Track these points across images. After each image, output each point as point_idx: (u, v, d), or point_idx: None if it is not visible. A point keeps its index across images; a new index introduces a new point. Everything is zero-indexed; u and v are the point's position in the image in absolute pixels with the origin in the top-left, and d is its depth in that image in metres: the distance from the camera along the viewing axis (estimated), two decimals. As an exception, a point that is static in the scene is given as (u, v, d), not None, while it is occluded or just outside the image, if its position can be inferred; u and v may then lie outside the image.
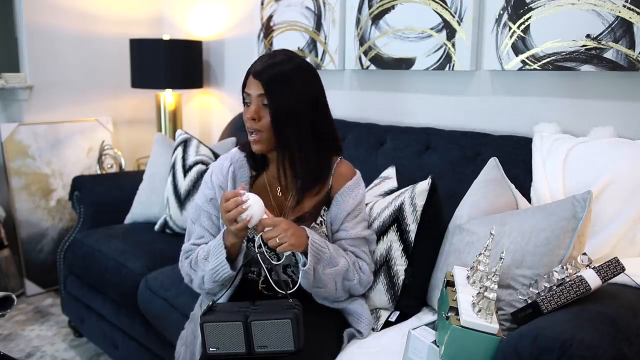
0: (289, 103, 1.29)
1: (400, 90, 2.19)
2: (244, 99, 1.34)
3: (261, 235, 1.25)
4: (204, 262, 1.34)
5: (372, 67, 2.19)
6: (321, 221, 1.39)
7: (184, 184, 2.16)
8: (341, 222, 1.40)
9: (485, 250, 1.16)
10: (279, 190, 1.42)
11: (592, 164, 1.46)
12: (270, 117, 1.29)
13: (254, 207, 1.22)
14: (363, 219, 1.44)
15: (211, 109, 3.18)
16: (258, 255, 1.28)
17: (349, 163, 1.46)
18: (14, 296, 1.32)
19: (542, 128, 1.68)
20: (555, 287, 1.11)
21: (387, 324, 1.43)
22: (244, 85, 1.34)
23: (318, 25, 2.39)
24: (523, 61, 1.75)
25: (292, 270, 1.41)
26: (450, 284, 1.21)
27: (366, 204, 1.58)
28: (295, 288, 1.28)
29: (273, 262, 1.37)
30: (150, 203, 2.34)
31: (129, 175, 2.71)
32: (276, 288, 1.26)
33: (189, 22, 3.21)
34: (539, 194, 1.52)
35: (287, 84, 1.29)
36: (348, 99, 2.38)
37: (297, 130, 1.31)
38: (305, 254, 1.27)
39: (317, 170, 1.37)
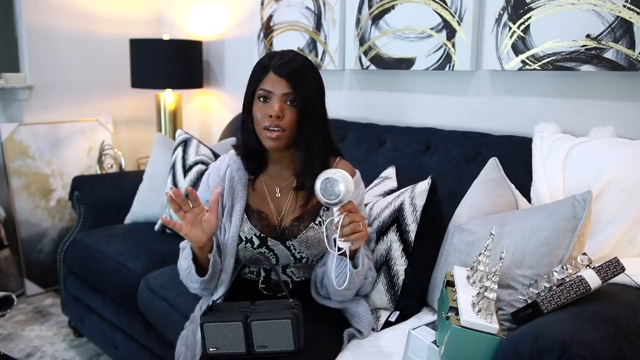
0: (313, 101, 1.33)
1: (400, 90, 2.19)
2: (259, 95, 1.32)
3: (330, 220, 1.22)
4: (182, 260, 1.40)
5: (372, 67, 2.19)
6: (320, 221, 1.39)
7: (184, 184, 2.16)
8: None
9: (485, 250, 1.16)
10: (277, 191, 1.42)
11: (592, 164, 1.45)
12: (296, 115, 1.30)
13: (349, 183, 1.15)
14: (363, 218, 1.44)
15: (211, 109, 3.18)
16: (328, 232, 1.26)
17: (348, 163, 1.46)
18: (14, 296, 1.32)
19: (542, 128, 1.67)
20: (555, 287, 1.11)
21: (387, 324, 1.43)
22: (259, 81, 1.33)
23: (318, 25, 2.39)
24: (523, 61, 1.75)
25: (291, 270, 1.41)
26: (450, 284, 1.21)
27: (366, 204, 1.58)
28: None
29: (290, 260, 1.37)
30: (150, 203, 2.34)
31: (129, 175, 2.70)
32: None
33: (189, 22, 3.20)
34: (539, 194, 1.52)
35: (309, 81, 1.32)
36: (348, 99, 2.38)
37: (315, 128, 1.33)
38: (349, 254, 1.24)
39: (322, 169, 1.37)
